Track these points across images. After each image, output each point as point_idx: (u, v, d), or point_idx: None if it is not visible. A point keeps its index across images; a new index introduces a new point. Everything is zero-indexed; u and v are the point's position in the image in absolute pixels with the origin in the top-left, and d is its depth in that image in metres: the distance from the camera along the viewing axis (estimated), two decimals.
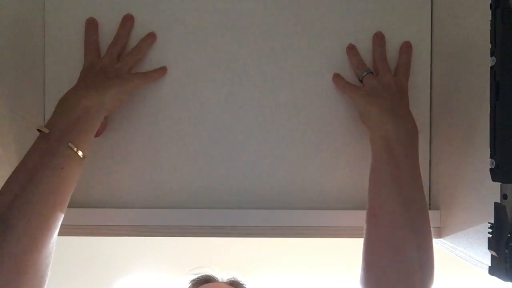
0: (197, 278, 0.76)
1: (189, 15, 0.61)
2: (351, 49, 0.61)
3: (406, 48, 0.60)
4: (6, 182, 0.44)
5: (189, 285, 0.75)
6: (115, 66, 0.55)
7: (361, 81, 0.58)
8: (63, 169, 0.45)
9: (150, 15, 0.61)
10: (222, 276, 0.77)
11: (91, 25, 0.59)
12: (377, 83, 0.55)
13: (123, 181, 0.60)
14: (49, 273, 0.44)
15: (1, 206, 0.42)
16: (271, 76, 0.61)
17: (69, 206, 0.48)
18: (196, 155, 0.60)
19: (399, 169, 0.48)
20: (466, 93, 0.53)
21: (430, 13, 0.62)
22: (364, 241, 0.49)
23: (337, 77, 0.61)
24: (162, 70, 0.61)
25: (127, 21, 0.60)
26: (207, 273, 0.77)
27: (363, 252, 0.48)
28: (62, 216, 0.46)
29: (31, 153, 0.46)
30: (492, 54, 0.41)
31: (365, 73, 0.58)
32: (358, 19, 0.61)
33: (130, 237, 0.59)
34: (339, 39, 0.61)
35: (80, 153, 0.47)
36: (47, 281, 0.43)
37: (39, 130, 0.47)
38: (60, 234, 0.47)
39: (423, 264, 0.45)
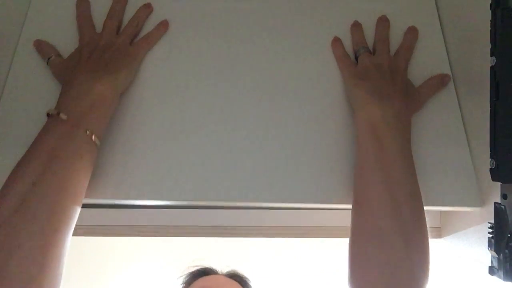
0: (196, 270, 0.74)
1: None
2: (355, 26, 0.59)
3: (410, 31, 0.58)
4: (20, 167, 0.41)
5: (188, 277, 0.74)
6: (117, 41, 0.53)
7: (357, 58, 0.56)
8: (82, 156, 0.43)
9: None
10: (222, 268, 0.76)
11: (83, 2, 0.57)
12: (370, 62, 0.53)
13: (128, 172, 0.52)
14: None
15: (19, 193, 0.38)
16: (271, 67, 0.57)
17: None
18: (195, 151, 0.53)
19: (384, 152, 0.45)
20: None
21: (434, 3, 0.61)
22: (350, 232, 0.45)
23: (336, 43, 0.58)
24: (163, 26, 0.57)
25: None
26: (206, 265, 0.76)
27: (348, 245, 0.45)
28: (80, 206, 0.43)
29: (45, 138, 0.42)
30: (492, 54, 0.41)
31: (361, 50, 0.55)
32: (363, 8, 0.60)
33: (130, 237, 0.59)
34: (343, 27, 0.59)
35: (97, 140, 0.45)
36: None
37: (49, 114, 0.44)
38: None
39: (412, 253, 0.41)
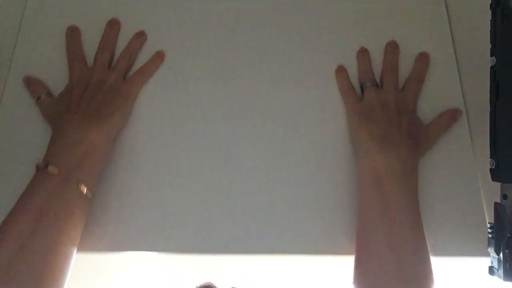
0: (197, 287, 0.76)
1: (181, 18, 0.56)
2: (362, 53, 0.54)
3: (421, 58, 0.53)
4: (6, 226, 0.37)
5: None
6: (109, 77, 0.49)
7: (363, 91, 0.52)
8: (74, 213, 0.40)
9: (135, 20, 0.55)
10: (222, 285, 0.77)
11: (74, 33, 0.53)
12: (376, 99, 0.49)
13: (122, 223, 0.48)
14: None
15: (6, 258, 0.35)
16: (271, 108, 0.53)
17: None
18: (195, 200, 0.49)
19: (388, 205, 0.41)
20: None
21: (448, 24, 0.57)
22: (352, 286, 0.43)
23: (340, 73, 0.53)
24: (159, 58, 0.52)
25: (114, 25, 0.53)
26: (207, 282, 0.77)
27: None
28: (71, 265, 0.40)
29: (34, 193, 0.39)
30: (492, 54, 0.41)
31: (368, 84, 0.51)
32: (370, 30, 0.56)
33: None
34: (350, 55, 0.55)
35: (89, 193, 0.42)
36: None
37: (38, 167, 0.41)
38: None
39: None
